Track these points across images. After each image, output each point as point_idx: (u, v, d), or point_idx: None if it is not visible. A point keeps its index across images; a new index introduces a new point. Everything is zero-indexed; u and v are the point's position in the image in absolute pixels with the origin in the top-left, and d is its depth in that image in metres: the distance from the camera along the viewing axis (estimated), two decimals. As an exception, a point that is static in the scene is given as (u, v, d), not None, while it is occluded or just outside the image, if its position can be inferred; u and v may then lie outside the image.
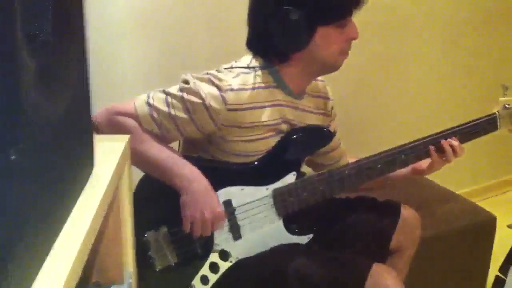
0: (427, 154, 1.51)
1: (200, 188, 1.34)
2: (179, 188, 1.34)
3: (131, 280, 0.99)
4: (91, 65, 1.80)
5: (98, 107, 1.39)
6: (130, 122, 1.35)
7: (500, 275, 1.75)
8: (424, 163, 1.54)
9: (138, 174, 1.43)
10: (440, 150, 1.49)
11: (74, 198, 0.75)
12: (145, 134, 1.35)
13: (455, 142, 1.49)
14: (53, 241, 0.66)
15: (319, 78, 1.55)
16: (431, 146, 1.49)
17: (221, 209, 1.37)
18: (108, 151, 0.91)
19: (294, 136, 1.45)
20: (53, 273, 0.61)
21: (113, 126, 1.36)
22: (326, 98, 1.58)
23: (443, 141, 1.49)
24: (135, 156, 1.35)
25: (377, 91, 2.54)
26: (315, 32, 1.35)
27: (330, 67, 1.42)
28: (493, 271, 1.88)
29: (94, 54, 1.76)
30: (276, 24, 1.34)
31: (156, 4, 1.87)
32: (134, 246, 1.02)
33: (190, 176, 1.34)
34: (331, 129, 1.60)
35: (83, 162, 0.80)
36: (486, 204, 2.90)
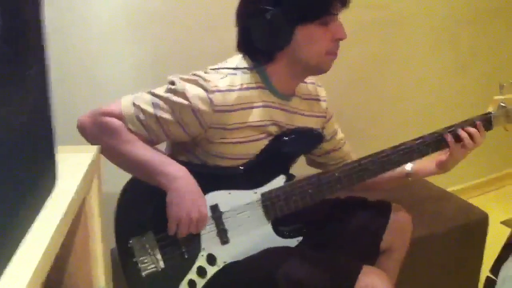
0: (421, 155, 1.48)
1: (186, 187, 1.32)
2: (164, 186, 1.32)
3: (102, 296, 0.97)
4: (80, 67, 1.80)
5: (87, 110, 1.37)
6: (116, 122, 1.33)
7: (491, 276, 1.73)
8: (443, 155, 1.50)
9: (123, 179, 1.40)
10: (456, 140, 1.46)
11: (33, 215, 0.73)
12: (130, 135, 1.33)
13: (472, 129, 1.46)
14: (8, 260, 0.64)
15: (308, 80, 1.53)
16: (448, 135, 1.46)
17: (207, 210, 1.35)
18: (74, 164, 0.89)
19: (283, 139, 1.43)
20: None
21: (99, 127, 1.34)
22: (318, 99, 1.55)
23: (460, 130, 1.46)
24: (120, 157, 1.35)
25: (373, 90, 2.52)
26: (295, 31, 1.32)
27: (316, 67, 1.39)
28: (487, 267, 1.87)
29: (83, 56, 1.76)
30: (255, 23, 1.32)
31: (147, 4, 1.83)
32: (105, 261, 1.00)
33: (176, 174, 1.32)
34: (329, 130, 1.58)
35: (43, 176, 0.78)
36: (479, 200, 2.92)
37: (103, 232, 1.09)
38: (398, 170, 1.53)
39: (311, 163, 1.65)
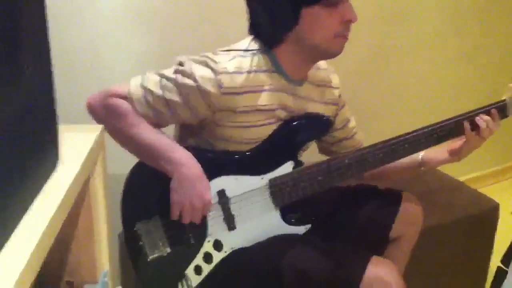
0: (432, 142, 1.45)
1: (190, 173, 1.30)
2: (168, 172, 1.30)
3: (106, 279, 0.96)
4: (84, 59, 1.79)
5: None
6: (123, 104, 1.32)
7: (502, 266, 1.71)
8: (457, 143, 1.48)
9: (130, 162, 1.39)
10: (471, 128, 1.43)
11: (34, 194, 0.71)
12: (138, 117, 1.32)
13: (487, 117, 1.43)
14: (7, 239, 0.63)
15: (322, 66, 1.50)
16: (465, 122, 1.43)
17: (210, 196, 1.33)
18: (78, 143, 0.87)
19: (291, 124, 1.40)
20: (4, 272, 0.58)
21: (106, 108, 1.33)
22: (331, 86, 1.52)
23: (476, 118, 1.42)
24: (126, 140, 1.34)
25: (377, 83, 2.48)
26: (300, 12, 1.29)
27: (325, 51, 1.35)
28: (497, 257, 1.85)
29: (88, 45, 1.74)
30: (261, 5, 1.30)
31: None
32: (110, 244, 0.98)
33: (181, 160, 1.30)
34: (341, 118, 1.55)
35: (44, 156, 0.76)
36: (492, 190, 2.89)
37: (109, 215, 1.08)
38: (411, 159, 1.50)
39: (323, 151, 1.62)
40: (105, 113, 1.33)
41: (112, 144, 1.34)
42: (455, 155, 1.49)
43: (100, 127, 0.97)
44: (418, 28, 2.52)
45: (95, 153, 0.89)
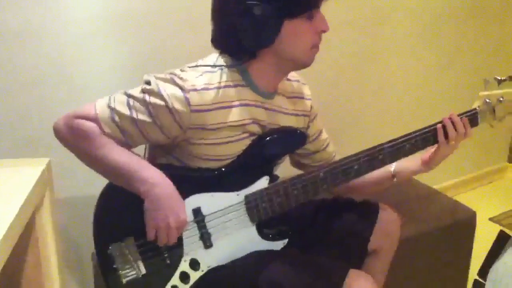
0: (409, 152, 1.45)
1: (163, 193, 1.27)
2: (141, 193, 1.27)
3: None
4: (58, 69, 1.75)
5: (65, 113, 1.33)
6: (90, 125, 1.28)
7: (479, 279, 1.70)
8: (428, 153, 1.48)
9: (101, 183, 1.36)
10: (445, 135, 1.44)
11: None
12: (106, 138, 1.28)
13: (459, 125, 1.43)
14: None
15: (293, 78, 1.49)
16: (438, 131, 1.43)
17: (186, 215, 1.31)
18: (21, 180, 0.82)
19: (266, 139, 1.39)
20: None
21: (73, 131, 1.29)
22: (302, 97, 1.51)
23: (449, 126, 1.42)
24: (95, 161, 1.30)
25: (356, 89, 2.49)
26: (281, 26, 1.28)
27: (301, 62, 1.35)
28: (475, 266, 1.84)
29: (61, 57, 1.71)
30: (240, 20, 1.27)
31: (126, 6, 1.79)
32: (61, 281, 0.93)
33: (153, 180, 1.27)
34: (313, 129, 1.55)
35: None
36: (468, 197, 2.91)
37: (60, 249, 1.01)
38: (384, 170, 1.50)
39: (295, 164, 1.62)
40: (72, 136, 1.29)
41: (80, 167, 1.31)
42: (427, 165, 1.49)
43: (46, 160, 0.91)
44: (398, 33, 2.54)
45: (41, 188, 0.84)
